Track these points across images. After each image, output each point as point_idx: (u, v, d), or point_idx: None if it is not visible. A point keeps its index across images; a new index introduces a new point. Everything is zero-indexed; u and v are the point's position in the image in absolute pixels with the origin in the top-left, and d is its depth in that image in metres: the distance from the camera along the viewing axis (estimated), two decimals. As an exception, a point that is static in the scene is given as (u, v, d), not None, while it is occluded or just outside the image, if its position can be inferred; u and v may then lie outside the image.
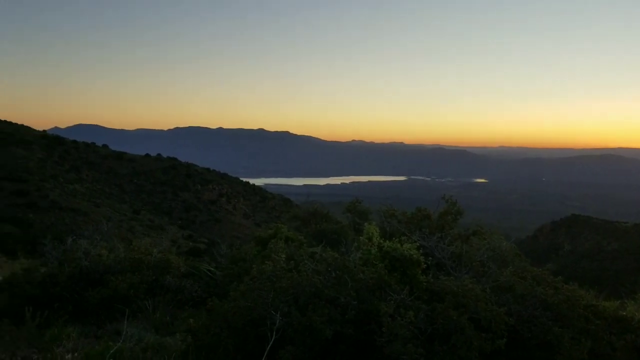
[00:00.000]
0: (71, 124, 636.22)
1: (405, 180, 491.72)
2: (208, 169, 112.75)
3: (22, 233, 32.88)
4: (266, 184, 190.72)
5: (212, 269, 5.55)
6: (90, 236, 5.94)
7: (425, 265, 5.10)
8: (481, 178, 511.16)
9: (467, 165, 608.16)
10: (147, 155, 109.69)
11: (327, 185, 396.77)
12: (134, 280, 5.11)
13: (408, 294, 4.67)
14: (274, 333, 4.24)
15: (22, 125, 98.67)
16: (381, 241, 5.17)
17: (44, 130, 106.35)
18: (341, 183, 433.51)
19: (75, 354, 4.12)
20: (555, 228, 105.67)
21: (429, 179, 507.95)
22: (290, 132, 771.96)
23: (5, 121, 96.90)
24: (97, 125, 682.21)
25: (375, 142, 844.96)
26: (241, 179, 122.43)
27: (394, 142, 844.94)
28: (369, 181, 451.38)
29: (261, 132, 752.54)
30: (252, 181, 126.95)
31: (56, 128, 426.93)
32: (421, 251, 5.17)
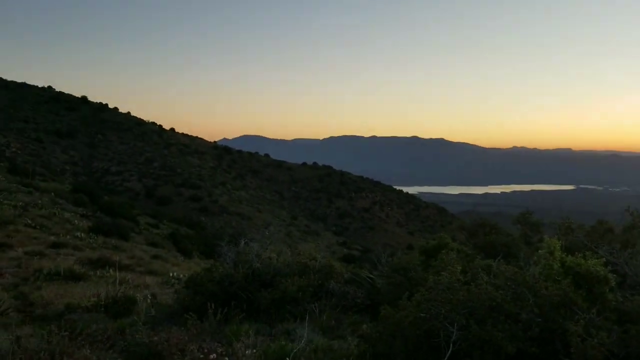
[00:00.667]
0: (237, 135, 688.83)
1: (573, 189, 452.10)
2: (361, 177, 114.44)
3: (196, 235, 36.06)
4: (420, 193, 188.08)
5: (373, 276, 5.57)
6: (260, 239, 6.31)
7: (613, 283, 4.60)
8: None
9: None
10: (304, 163, 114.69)
11: (486, 195, 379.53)
12: (302, 284, 5.30)
13: (596, 313, 4.31)
14: (451, 345, 4.16)
15: (196, 137, 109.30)
16: (563, 255, 4.72)
17: (215, 141, 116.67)
18: (501, 192, 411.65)
19: (254, 351, 4.38)
20: None
21: (601, 188, 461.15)
22: (446, 139, 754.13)
23: (182, 133, 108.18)
24: (259, 136, 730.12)
25: (539, 148, 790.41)
26: (394, 187, 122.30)
27: (560, 149, 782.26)
28: (532, 190, 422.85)
29: (415, 139, 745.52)
30: (405, 189, 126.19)
31: (224, 139, 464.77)
32: (609, 268, 4.65)
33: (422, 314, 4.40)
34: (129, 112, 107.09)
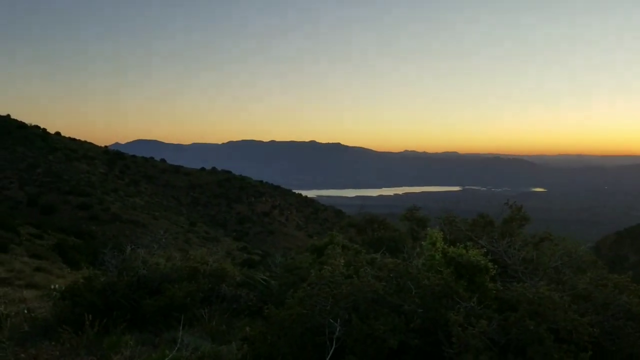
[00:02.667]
0: (131, 140, 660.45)
1: (460, 190, 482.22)
2: (261, 182, 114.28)
3: (85, 245, 34.02)
4: (318, 196, 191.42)
5: (267, 278, 5.44)
6: (148, 245, 5.96)
7: (493, 272, 4.78)
8: (539, 187, 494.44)
9: (524, 174, 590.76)
10: (203, 168, 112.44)
11: (380, 197, 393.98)
12: (190, 289, 5.03)
13: (477, 302, 4.38)
14: (334, 342, 4.08)
15: (85, 142, 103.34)
16: (445, 247, 4.85)
17: (106, 146, 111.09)
18: (394, 194, 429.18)
19: (132, 363, 4.06)
20: (619, 239, 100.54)
21: (484, 189, 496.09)
22: (342, 143, 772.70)
23: (69, 138, 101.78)
24: (155, 141, 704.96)
25: (428, 152, 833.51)
26: (294, 191, 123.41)
27: (448, 152, 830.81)
28: (423, 192, 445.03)
29: (313, 144, 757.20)
30: (304, 193, 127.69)
31: (117, 144, 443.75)
32: (489, 257, 4.84)
33: (304, 311, 4.32)
34: (8, 115, 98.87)
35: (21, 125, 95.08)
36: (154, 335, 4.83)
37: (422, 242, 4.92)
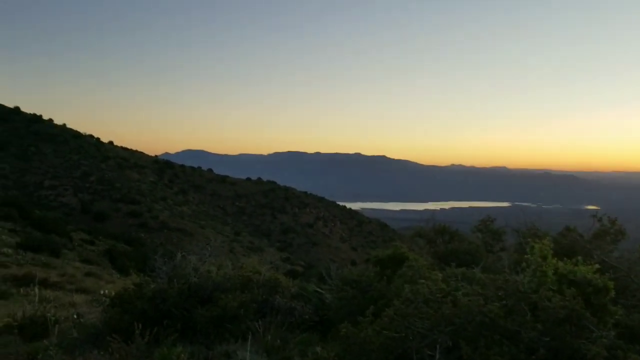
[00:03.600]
0: (180, 150, 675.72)
1: (509, 206, 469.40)
2: (305, 193, 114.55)
3: (134, 251, 34.73)
4: (363, 208, 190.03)
5: (321, 291, 5.13)
6: (199, 253, 5.79)
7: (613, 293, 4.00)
8: (593, 205, 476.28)
9: (576, 191, 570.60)
10: (248, 179, 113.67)
11: (426, 211, 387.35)
12: (244, 299, 4.82)
13: (611, 328, 3.69)
14: None
15: (136, 151, 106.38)
16: (555, 262, 4.06)
17: (156, 156, 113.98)
18: (440, 209, 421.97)
19: (186, 377, 3.86)
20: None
21: (534, 205, 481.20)
22: (387, 156, 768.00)
23: (121, 147, 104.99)
24: (203, 151, 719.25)
25: (476, 166, 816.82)
26: (338, 202, 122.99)
27: (497, 167, 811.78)
28: (470, 207, 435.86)
29: (357, 156, 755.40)
30: (348, 205, 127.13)
31: (166, 153, 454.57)
32: (608, 275, 4.09)
33: (395, 334, 3.68)
34: (64, 124, 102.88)
35: (76, 135, 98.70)
36: (206, 347, 4.59)
37: (526, 256, 4.14)
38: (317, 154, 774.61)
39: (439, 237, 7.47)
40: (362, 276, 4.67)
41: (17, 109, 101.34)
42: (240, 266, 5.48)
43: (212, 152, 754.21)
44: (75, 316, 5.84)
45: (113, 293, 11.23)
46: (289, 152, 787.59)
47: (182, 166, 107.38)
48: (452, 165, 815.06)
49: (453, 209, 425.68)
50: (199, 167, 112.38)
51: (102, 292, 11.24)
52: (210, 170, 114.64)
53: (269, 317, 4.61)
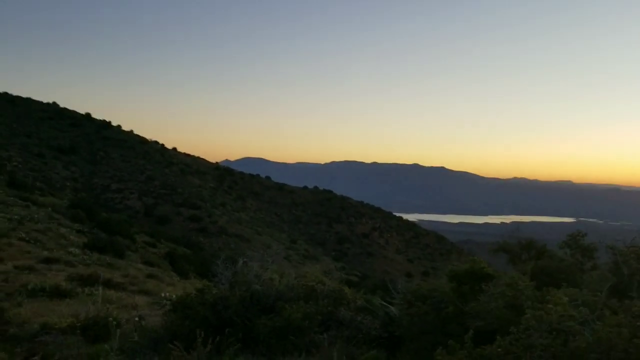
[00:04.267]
0: (239, 157, 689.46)
1: (573, 222, 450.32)
2: (362, 203, 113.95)
3: (194, 255, 35.39)
4: (420, 220, 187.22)
5: (388, 304, 4.81)
6: (260, 259, 5.62)
7: None
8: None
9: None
10: (305, 187, 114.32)
11: (485, 225, 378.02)
12: (308, 310, 4.57)
13: None
14: None
15: (198, 157, 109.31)
16: None
17: (217, 162, 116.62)
18: (501, 223, 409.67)
19: (249, 392, 3.69)
20: None
21: (601, 221, 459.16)
22: (446, 167, 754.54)
23: (184, 153, 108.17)
24: (261, 159, 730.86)
25: (540, 180, 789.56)
26: (394, 213, 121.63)
27: (561, 181, 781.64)
28: (532, 222, 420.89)
29: (416, 167, 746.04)
30: (405, 216, 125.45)
31: (226, 160, 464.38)
32: None
33: None
34: (131, 130, 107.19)
35: (142, 141, 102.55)
36: (268, 359, 4.38)
37: None
38: (374, 164, 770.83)
39: (524, 252, 6.89)
40: (434, 291, 4.35)
41: (88, 115, 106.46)
42: (303, 275, 5.26)
43: (271, 160, 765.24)
44: (136, 319, 5.85)
45: (174, 296, 11.37)
46: (345, 161, 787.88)
47: (242, 173, 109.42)
48: (514, 178, 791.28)
49: (513, 222, 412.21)
50: (258, 175, 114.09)
51: (163, 294, 11.41)
52: (268, 177, 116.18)
53: (333, 331, 4.33)
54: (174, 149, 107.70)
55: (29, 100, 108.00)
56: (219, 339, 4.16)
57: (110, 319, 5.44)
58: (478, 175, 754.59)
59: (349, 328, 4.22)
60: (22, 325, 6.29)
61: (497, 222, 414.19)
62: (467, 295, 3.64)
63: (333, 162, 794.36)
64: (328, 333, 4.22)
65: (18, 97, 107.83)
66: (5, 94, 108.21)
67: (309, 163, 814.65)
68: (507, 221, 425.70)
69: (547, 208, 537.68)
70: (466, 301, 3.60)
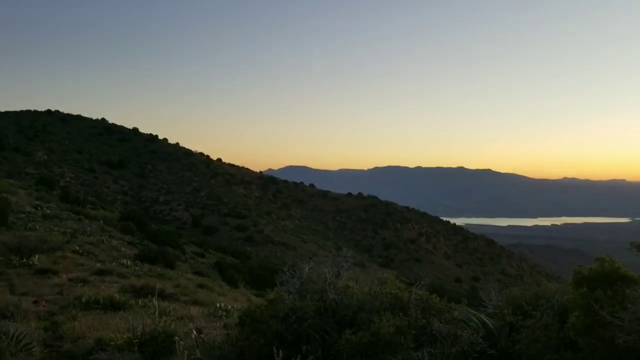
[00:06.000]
0: (282, 166, 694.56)
1: (628, 222, 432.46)
2: (407, 208, 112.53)
3: (242, 264, 35.38)
4: (467, 224, 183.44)
5: (482, 315, 4.15)
6: (332, 263, 5.05)
7: None
8: None
9: None
10: (349, 194, 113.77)
11: (536, 227, 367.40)
12: (399, 324, 3.93)
13: None
14: None
15: (242, 167, 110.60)
16: None
17: (260, 172, 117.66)
18: (551, 224, 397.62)
19: None
20: None
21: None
22: (493, 169, 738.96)
23: (229, 164, 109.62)
24: (304, 167, 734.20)
25: (591, 179, 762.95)
26: (441, 218, 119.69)
27: (614, 180, 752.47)
28: (585, 223, 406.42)
29: (461, 170, 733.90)
30: (452, 221, 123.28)
31: (270, 170, 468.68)
32: None
33: None
34: (177, 143, 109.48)
35: (188, 153, 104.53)
36: None
37: None
38: (418, 168, 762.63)
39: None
40: (552, 298, 3.70)
41: (135, 129, 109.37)
42: (383, 281, 4.67)
43: (314, 167, 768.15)
44: (194, 331, 5.48)
45: (229, 306, 11.08)
46: (389, 166, 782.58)
47: (285, 182, 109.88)
48: (565, 178, 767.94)
49: (565, 224, 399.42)
50: (301, 183, 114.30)
51: (217, 305, 11.16)
52: (312, 185, 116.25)
53: (428, 347, 3.72)
54: (219, 159, 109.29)
55: (79, 117, 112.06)
56: (299, 358, 3.61)
57: (169, 330, 5.06)
58: (526, 177, 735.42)
59: (445, 343, 3.62)
60: (76, 341, 6.02)
61: (547, 224, 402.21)
62: (602, 302, 3.00)
63: (376, 168, 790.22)
64: (422, 350, 3.61)
65: (69, 115, 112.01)
66: (57, 112, 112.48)
67: (352, 169, 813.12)
68: (559, 223, 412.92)
69: (600, 208, 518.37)
70: (601, 309, 2.98)
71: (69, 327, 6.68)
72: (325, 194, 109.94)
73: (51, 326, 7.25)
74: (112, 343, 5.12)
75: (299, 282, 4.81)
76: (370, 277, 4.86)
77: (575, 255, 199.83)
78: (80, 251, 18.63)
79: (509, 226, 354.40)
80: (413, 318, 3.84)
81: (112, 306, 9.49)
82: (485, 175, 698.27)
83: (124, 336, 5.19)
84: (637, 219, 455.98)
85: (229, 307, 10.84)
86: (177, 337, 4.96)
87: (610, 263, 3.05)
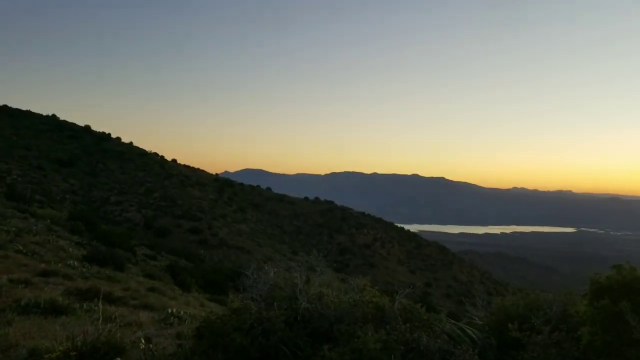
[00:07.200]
0: (239, 169, 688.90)
1: (573, 232, 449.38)
2: (363, 213, 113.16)
3: (195, 268, 34.46)
4: (421, 231, 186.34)
5: (467, 327, 3.69)
6: (301, 267, 4.49)
7: None
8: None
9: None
10: (306, 198, 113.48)
11: (486, 235, 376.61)
12: (385, 338, 3.38)
13: None
14: None
15: (198, 169, 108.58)
16: None
17: (216, 174, 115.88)
18: (501, 233, 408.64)
19: None
20: None
21: (602, 231, 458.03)
22: (446, 177, 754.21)
23: (184, 165, 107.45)
24: (261, 170, 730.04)
25: (540, 189, 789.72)
26: (396, 224, 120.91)
27: (561, 191, 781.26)
28: (533, 232, 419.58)
29: (415, 177, 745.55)
30: (406, 227, 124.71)
31: (226, 172, 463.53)
32: None
33: None
34: (131, 142, 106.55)
35: (142, 153, 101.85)
36: None
37: None
38: (374, 174, 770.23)
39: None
40: (548, 309, 3.22)
41: (87, 127, 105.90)
42: (361, 288, 4.13)
43: (271, 171, 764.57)
44: (143, 342, 4.90)
45: (182, 312, 10.48)
46: (346, 172, 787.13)
47: (242, 184, 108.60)
48: (514, 188, 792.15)
49: (514, 233, 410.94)
50: (258, 186, 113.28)
51: (169, 310, 10.53)
52: (268, 189, 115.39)
53: None
54: (174, 160, 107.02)
55: (28, 113, 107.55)
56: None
57: (118, 346, 4.45)
58: (478, 186, 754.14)
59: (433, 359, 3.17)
60: (8, 350, 5.35)
61: (497, 232, 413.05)
62: (629, 315, 2.60)
63: (333, 173, 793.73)
64: (409, 369, 3.13)
65: (17, 110, 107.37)
66: (5, 106, 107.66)
67: (309, 174, 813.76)
68: (508, 231, 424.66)
69: (548, 218, 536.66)
70: (625, 324, 2.60)
71: (1, 334, 5.98)
72: (282, 198, 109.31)
73: (-19, 333, 6.52)
74: (47, 356, 4.49)
75: (266, 288, 4.27)
76: (342, 284, 4.39)
77: (521, 263, 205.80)
78: (24, 251, 17.57)
79: (461, 233, 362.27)
80: (401, 332, 3.37)
81: (54, 310, 8.76)
82: (439, 183, 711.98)
83: (62, 347, 4.59)
84: (582, 228, 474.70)
85: (182, 312, 10.22)
86: (123, 348, 4.38)
87: (631, 271, 2.69)
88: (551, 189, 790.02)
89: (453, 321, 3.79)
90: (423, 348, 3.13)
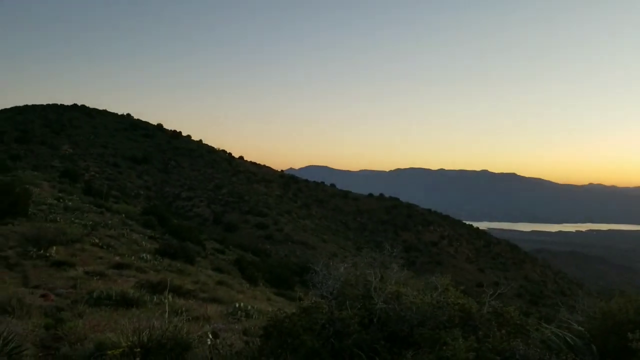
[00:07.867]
0: (304, 165, 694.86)
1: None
2: (429, 210, 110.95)
3: (262, 262, 34.90)
4: (490, 228, 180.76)
5: (565, 333, 3.24)
6: (362, 265, 4.13)
7: None
8: None
9: None
10: (370, 195, 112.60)
11: (560, 233, 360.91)
12: (479, 346, 2.99)
13: None
14: None
15: (263, 165, 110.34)
16: None
17: (282, 170, 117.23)
18: (576, 231, 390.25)
19: None
20: None
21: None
22: (517, 173, 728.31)
23: (251, 162, 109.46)
24: (325, 167, 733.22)
25: (618, 185, 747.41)
26: (464, 221, 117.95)
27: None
28: (610, 230, 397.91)
29: (485, 173, 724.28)
30: (475, 224, 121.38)
31: (291, 169, 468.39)
32: None
33: None
34: (200, 140, 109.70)
35: (210, 150, 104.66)
36: None
37: None
38: (441, 170, 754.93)
39: None
40: None
41: (160, 126, 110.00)
42: (445, 288, 3.75)
43: (335, 167, 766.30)
44: (210, 336, 4.77)
45: (249, 307, 10.45)
46: (411, 168, 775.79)
47: (306, 181, 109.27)
48: (590, 184, 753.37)
49: (590, 231, 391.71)
50: (322, 182, 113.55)
51: (237, 304, 10.52)
52: (333, 185, 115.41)
53: None
54: (241, 157, 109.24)
55: (105, 113, 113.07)
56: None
57: (183, 342, 4.31)
58: (551, 182, 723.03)
59: None
60: (76, 343, 5.36)
61: (571, 230, 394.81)
62: None
63: (398, 170, 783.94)
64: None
65: (95, 110, 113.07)
66: (83, 106, 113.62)
67: (373, 170, 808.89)
68: (583, 229, 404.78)
69: (626, 216, 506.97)
70: None
71: (71, 326, 6.06)
72: (346, 195, 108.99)
73: (54, 324, 6.65)
74: (110, 352, 4.41)
75: (337, 285, 3.95)
76: (420, 282, 4.02)
77: (599, 262, 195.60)
78: (100, 244, 18.28)
79: (533, 231, 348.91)
80: (497, 339, 2.97)
81: (125, 302, 8.91)
82: (510, 179, 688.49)
83: (127, 342, 4.51)
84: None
85: (249, 307, 10.17)
86: (189, 343, 4.21)
87: None
88: (630, 185, 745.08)
89: (549, 326, 3.36)
90: (519, 358, 2.74)
